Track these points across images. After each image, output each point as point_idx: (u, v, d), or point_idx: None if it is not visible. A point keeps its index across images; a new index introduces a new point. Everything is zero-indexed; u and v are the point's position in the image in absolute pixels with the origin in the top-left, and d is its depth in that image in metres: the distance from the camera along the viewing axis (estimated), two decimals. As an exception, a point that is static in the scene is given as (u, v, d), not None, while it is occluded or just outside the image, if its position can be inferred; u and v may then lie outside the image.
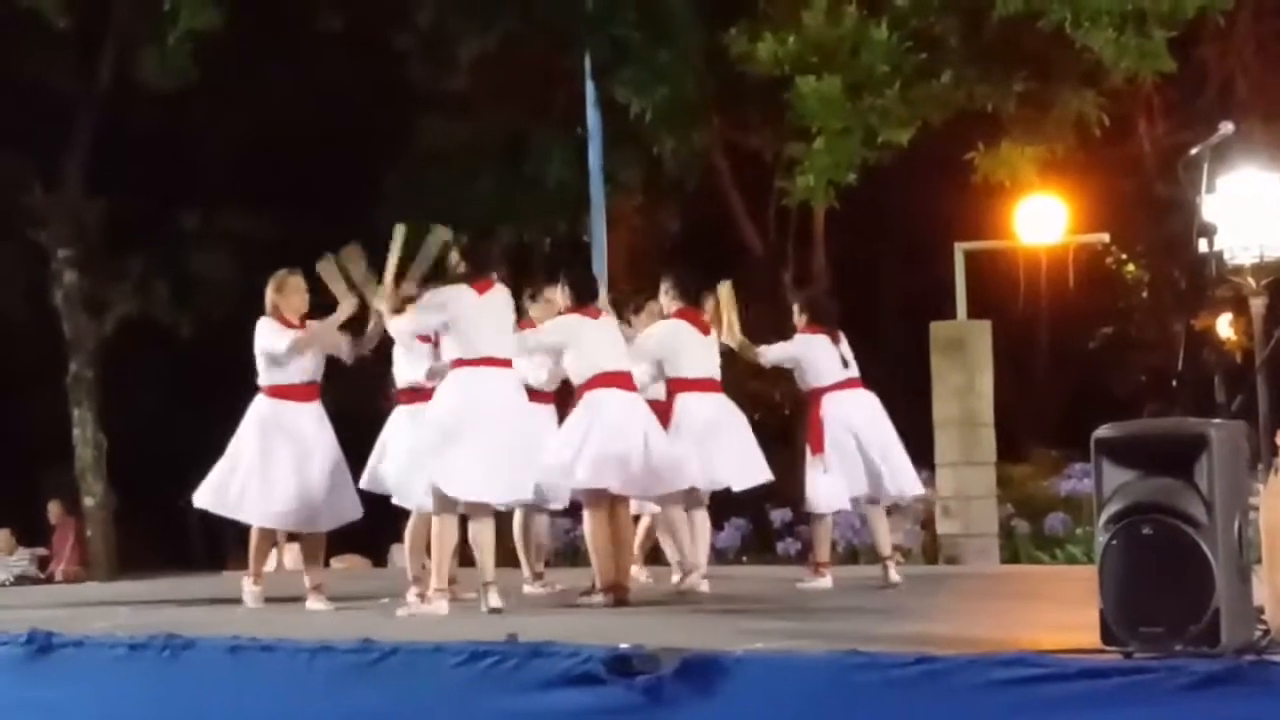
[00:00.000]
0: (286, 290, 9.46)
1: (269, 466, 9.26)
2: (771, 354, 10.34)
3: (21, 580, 18.88)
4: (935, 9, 16.51)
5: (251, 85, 20.61)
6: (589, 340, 8.99)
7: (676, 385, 9.76)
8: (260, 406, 9.41)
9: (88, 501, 21.12)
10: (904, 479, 10.48)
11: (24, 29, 19.04)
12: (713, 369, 9.87)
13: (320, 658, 6.08)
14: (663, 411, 9.93)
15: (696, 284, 10.04)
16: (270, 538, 9.88)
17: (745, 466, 10.02)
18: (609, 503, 8.92)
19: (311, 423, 9.39)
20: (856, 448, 10.14)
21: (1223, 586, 4.90)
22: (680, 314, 9.81)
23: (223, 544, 26.41)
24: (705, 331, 9.83)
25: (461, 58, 18.90)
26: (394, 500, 9.37)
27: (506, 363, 8.63)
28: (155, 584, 14.26)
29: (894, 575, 10.28)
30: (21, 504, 21.75)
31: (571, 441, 8.87)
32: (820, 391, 10.21)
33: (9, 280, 22.87)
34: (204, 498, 9.55)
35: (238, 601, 9.72)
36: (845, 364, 10.27)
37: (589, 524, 8.91)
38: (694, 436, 9.60)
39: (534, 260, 21.51)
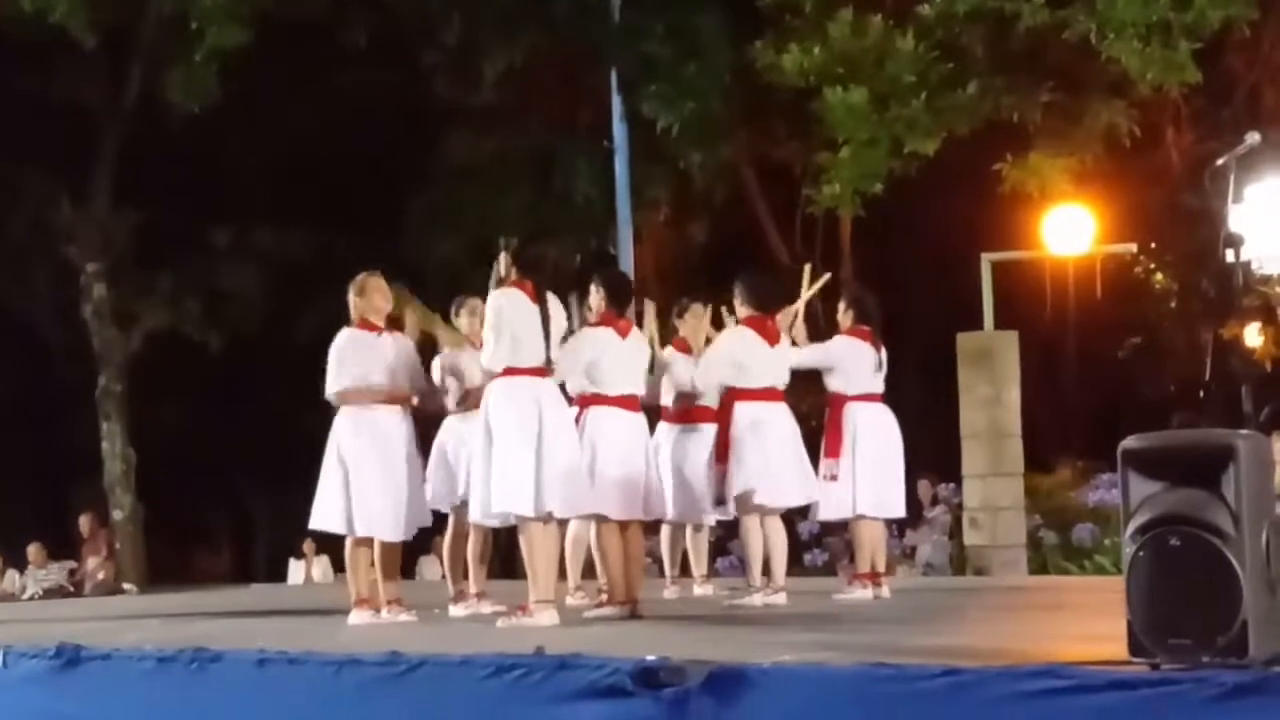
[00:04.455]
0: (368, 292, 9.14)
1: (355, 478, 8.99)
2: (805, 357, 10.23)
3: (51, 593, 18.93)
4: (961, 19, 16.50)
5: (280, 103, 20.69)
6: (613, 358, 8.94)
7: (738, 394, 9.62)
8: (345, 416, 9.09)
9: (116, 514, 21.21)
10: (892, 501, 10.44)
11: (51, 47, 19.14)
12: (776, 378, 9.76)
13: (347, 670, 6.09)
14: (707, 418, 10.06)
15: (768, 290, 9.94)
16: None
17: (805, 484, 9.90)
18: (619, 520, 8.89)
19: (393, 427, 9.12)
20: (864, 462, 10.11)
21: (1250, 598, 4.87)
22: (749, 321, 9.73)
23: (251, 557, 26.58)
24: (773, 341, 9.72)
25: (488, 73, 18.94)
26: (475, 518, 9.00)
27: (548, 372, 8.55)
28: (183, 597, 14.29)
29: (882, 592, 10.27)
30: (52, 517, 21.86)
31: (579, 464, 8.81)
32: (845, 399, 10.16)
33: (39, 295, 23.02)
34: (326, 519, 9.15)
35: (265, 614, 9.73)
36: (879, 368, 10.21)
37: (600, 539, 8.88)
38: (757, 449, 9.52)
39: (564, 278, 21.56)
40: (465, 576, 9.80)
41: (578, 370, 8.97)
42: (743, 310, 9.75)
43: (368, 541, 9.11)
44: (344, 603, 9.26)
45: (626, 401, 8.96)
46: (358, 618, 9.02)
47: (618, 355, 8.93)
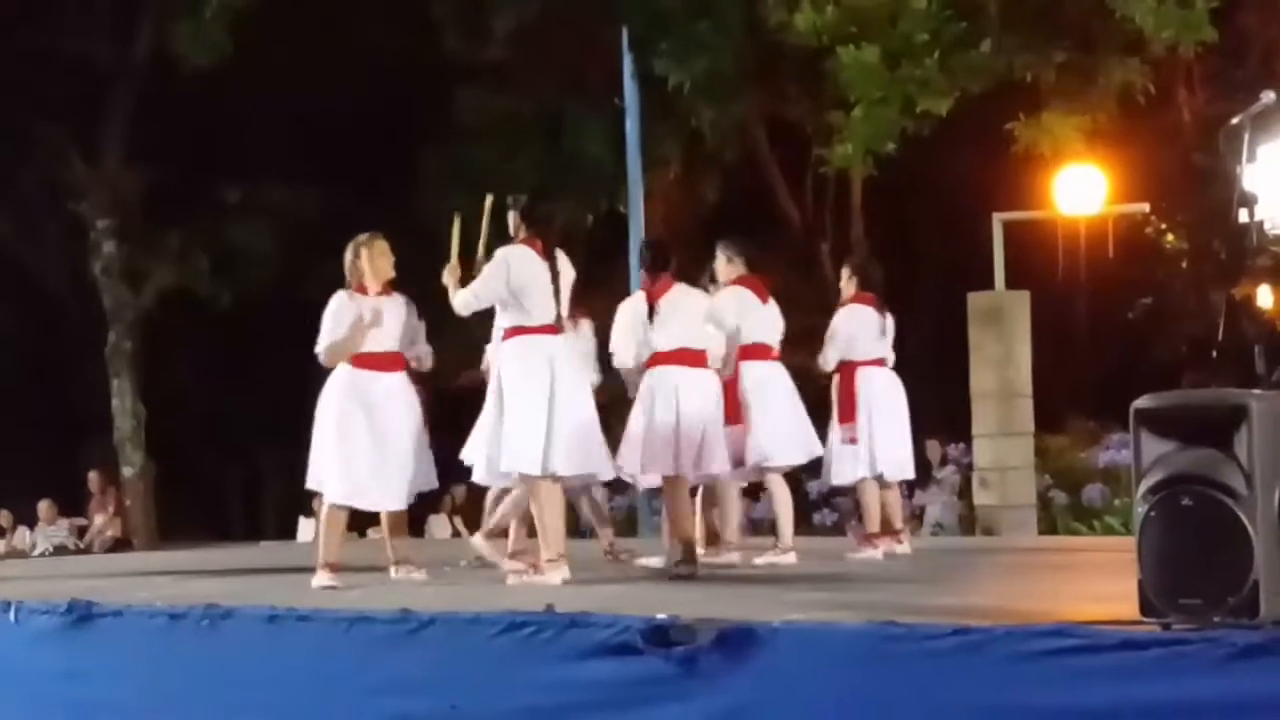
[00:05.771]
0: (373, 254, 8.93)
1: (345, 441, 8.78)
2: (831, 358, 10.26)
3: (60, 550, 19.00)
4: (974, -23, 16.42)
5: (290, 59, 20.64)
6: (674, 314, 8.95)
7: (740, 353, 9.68)
8: (338, 377, 8.90)
9: (126, 471, 21.26)
10: (902, 464, 10.47)
11: (61, 2, 19.10)
12: (771, 336, 9.82)
13: (358, 627, 6.11)
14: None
15: (750, 249, 9.99)
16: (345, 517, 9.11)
17: (806, 441, 9.96)
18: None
19: (390, 393, 8.91)
20: (880, 426, 10.15)
21: (1262, 558, 4.87)
22: (742, 280, 9.77)
23: (261, 514, 26.63)
24: (764, 298, 9.77)
25: (498, 30, 18.87)
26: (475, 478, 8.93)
27: (559, 329, 8.49)
28: (193, 554, 14.32)
29: (901, 548, 10.30)
30: (62, 474, 21.91)
31: (638, 422, 8.85)
32: (855, 365, 10.20)
33: (50, 251, 23.01)
34: (317, 481, 8.99)
35: (276, 571, 9.70)
36: (884, 333, 10.25)
37: (671, 493, 8.92)
38: (761, 410, 9.58)
39: (575, 238, 21.55)
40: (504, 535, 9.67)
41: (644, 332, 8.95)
42: (732, 270, 9.79)
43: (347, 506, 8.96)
44: (355, 560, 9.25)
45: (696, 357, 9.00)
46: (320, 580, 8.70)
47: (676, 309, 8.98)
